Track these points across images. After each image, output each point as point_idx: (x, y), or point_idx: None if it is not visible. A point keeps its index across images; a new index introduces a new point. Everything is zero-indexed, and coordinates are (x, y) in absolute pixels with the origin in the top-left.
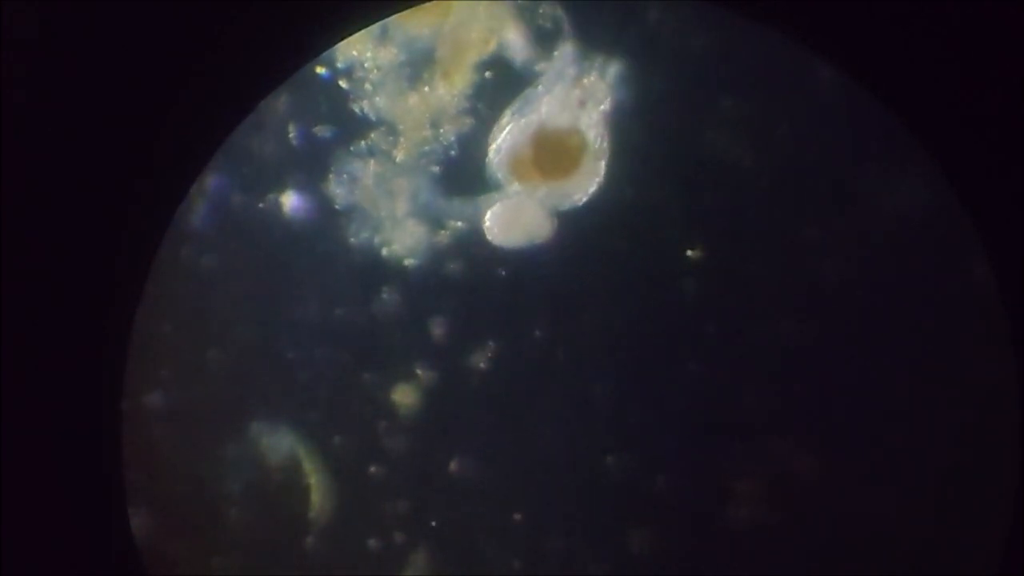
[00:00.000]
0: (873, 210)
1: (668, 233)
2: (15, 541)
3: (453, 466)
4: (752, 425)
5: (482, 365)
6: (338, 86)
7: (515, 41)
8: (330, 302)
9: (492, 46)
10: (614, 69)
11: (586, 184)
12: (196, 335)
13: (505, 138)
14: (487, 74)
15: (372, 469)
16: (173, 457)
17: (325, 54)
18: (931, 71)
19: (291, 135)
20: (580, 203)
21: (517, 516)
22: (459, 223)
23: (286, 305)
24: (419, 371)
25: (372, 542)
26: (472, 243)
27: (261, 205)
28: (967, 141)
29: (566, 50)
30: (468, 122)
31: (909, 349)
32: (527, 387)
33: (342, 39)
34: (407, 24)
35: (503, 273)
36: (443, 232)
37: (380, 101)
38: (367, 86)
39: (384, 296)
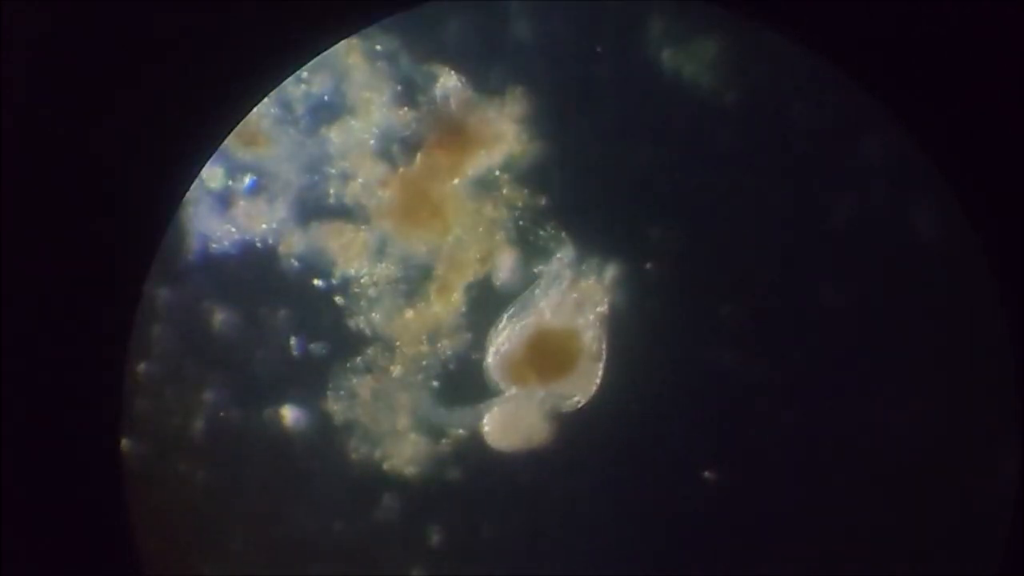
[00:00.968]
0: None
1: (668, 436)
2: (15, 542)
3: None
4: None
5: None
6: (334, 302)
7: (510, 263)
8: (329, 516)
9: (488, 267)
10: (611, 272)
11: (584, 387)
12: (192, 549)
13: (503, 341)
14: (482, 293)
15: None
16: None
17: (323, 268)
18: (931, 71)
19: (291, 349)
20: (578, 406)
21: None
22: (460, 430)
23: (284, 520)
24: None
25: None
26: (472, 450)
27: (259, 419)
28: (967, 145)
29: (563, 253)
30: (466, 337)
31: (909, 349)
32: None
33: (333, 42)
34: (405, 240)
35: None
36: (444, 441)
37: (377, 317)
38: (363, 302)
39: (384, 503)
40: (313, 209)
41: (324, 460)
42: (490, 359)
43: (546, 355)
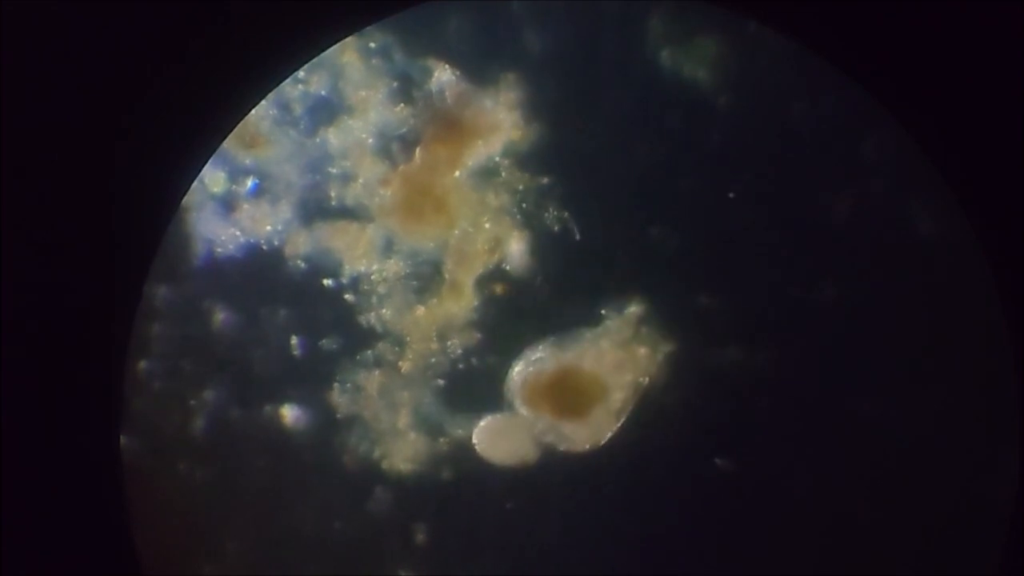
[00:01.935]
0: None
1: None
2: (15, 542)
3: None
4: None
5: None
6: (344, 299)
7: (518, 251)
8: (326, 513)
9: (498, 256)
10: (667, 350)
11: (591, 439)
12: (190, 547)
13: (534, 360)
14: (494, 284)
15: None
16: None
17: (331, 268)
18: (931, 71)
19: (293, 347)
20: (571, 450)
21: None
22: (459, 431)
23: (281, 518)
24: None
25: None
26: (469, 452)
27: (259, 418)
28: (967, 145)
29: (633, 310)
30: (475, 335)
31: (909, 350)
32: None
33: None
34: (411, 237)
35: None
36: (442, 440)
37: (387, 313)
38: (373, 299)
39: (376, 496)
40: (316, 210)
41: (323, 457)
42: (514, 372)
43: (568, 394)
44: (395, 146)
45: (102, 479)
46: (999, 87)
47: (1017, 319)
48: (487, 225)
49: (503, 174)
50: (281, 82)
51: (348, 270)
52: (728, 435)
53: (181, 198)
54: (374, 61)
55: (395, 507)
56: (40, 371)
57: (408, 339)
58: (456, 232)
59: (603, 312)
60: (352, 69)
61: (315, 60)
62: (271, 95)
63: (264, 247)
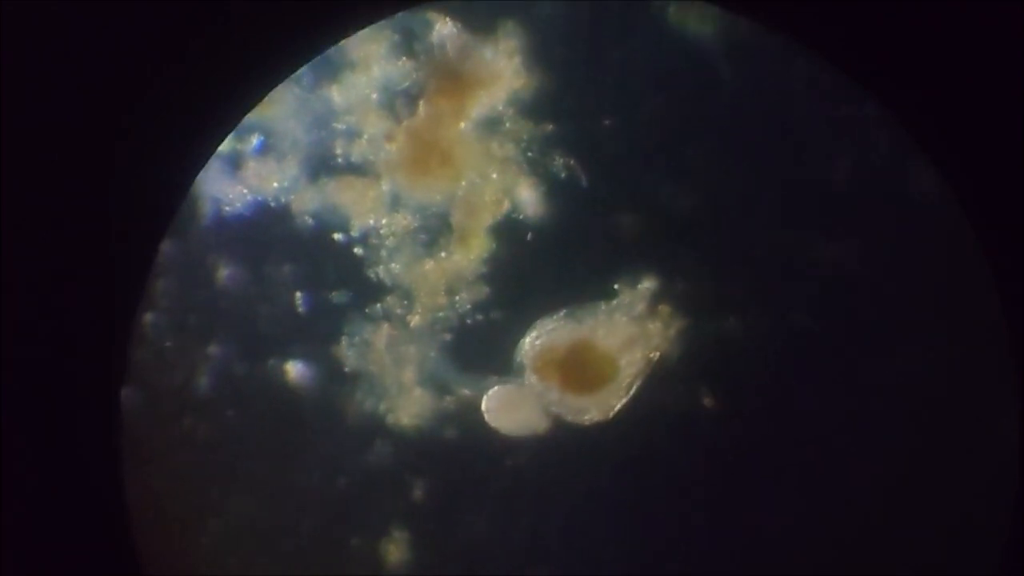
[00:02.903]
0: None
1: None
2: (15, 541)
3: None
4: None
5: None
6: (352, 253)
7: (528, 198)
8: (331, 470)
9: (506, 207)
10: (679, 325)
11: (596, 413)
12: (194, 503)
13: (547, 331)
14: (503, 238)
15: None
16: None
17: (339, 223)
18: (930, 73)
19: (299, 303)
20: (579, 423)
21: None
22: (465, 390)
23: (284, 474)
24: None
25: None
26: (473, 412)
27: (264, 373)
28: (966, 144)
29: (647, 286)
30: (485, 290)
31: (909, 348)
32: None
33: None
34: (418, 190)
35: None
36: (448, 398)
37: (395, 267)
38: (382, 252)
39: (376, 449)
40: (323, 166)
41: (327, 413)
42: (527, 341)
43: (579, 367)
44: (399, 100)
45: (102, 479)
46: (999, 87)
47: (1017, 319)
48: (494, 176)
49: (508, 124)
50: (281, 82)
51: (356, 225)
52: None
53: (182, 198)
54: None
55: (396, 462)
56: (40, 372)
57: (417, 293)
58: (463, 184)
59: (616, 287)
60: None
61: None
62: None
63: (272, 204)
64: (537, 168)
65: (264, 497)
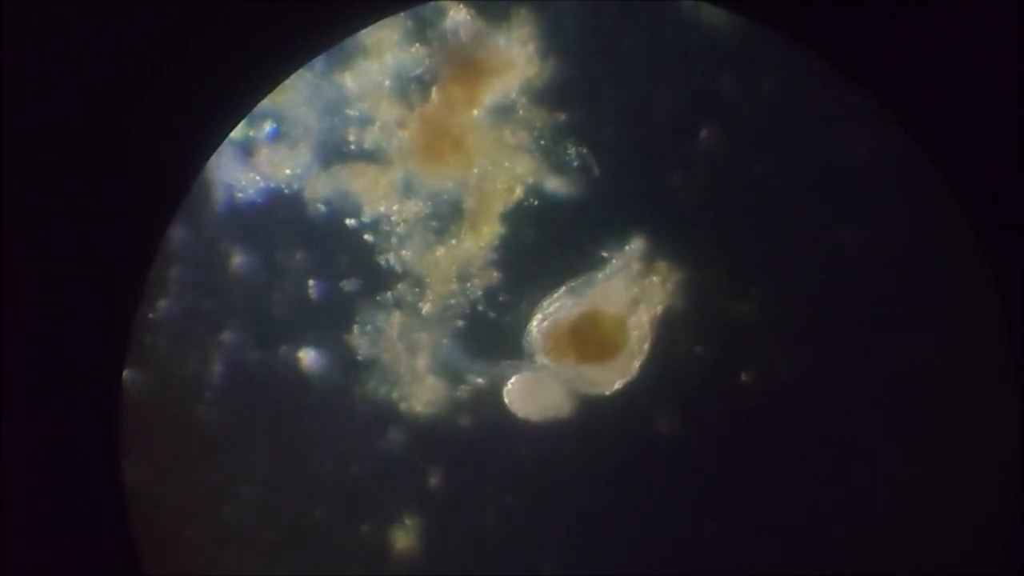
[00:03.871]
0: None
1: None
2: (15, 541)
3: None
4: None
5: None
6: (364, 240)
7: (539, 185)
8: (342, 456)
9: (518, 194)
10: (677, 278)
11: (616, 378)
12: (206, 490)
13: (552, 311)
14: (514, 225)
15: None
16: None
17: (351, 210)
18: (931, 72)
19: (311, 290)
20: (604, 394)
21: None
22: (479, 379)
23: (298, 461)
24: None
25: None
26: (488, 400)
27: (277, 360)
28: (966, 144)
29: (636, 244)
30: (496, 276)
31: (909, 346)
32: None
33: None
34: (431, 177)
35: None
36: (464, 387)
37: (407, 254)
38: (393, 239)
39: (390, 436)
40: (335, 153)
41: (340, 400)
42: (533, 324)
43: (589, 338)
44: (412, 87)
45: (101, 472)
46: (999, 87)
47: (1017, 319)
48: (506, 164)
49: (520, 112)
50: (281, 82)
51: (368, 212)
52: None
53: (182, 198)
54: None
55: (409, 449)
56: (39, 373)
57: (428, 280)
58: (475, 171)
59: (605, 254)
60: None
61: None
62: None
63: (285, 191)
64: (550, 157)
65: (276, 485)
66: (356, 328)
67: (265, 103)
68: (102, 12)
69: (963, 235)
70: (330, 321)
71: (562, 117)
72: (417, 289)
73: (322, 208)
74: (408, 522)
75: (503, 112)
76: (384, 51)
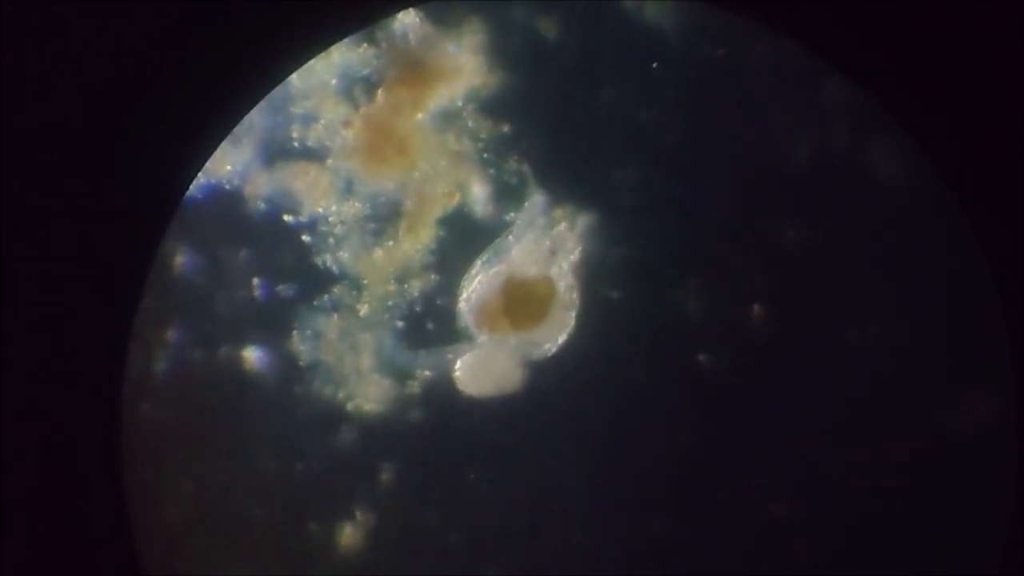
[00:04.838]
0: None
1: (635, 381)
2: (15, 541)
3: None
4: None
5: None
6: (301, 240)
7: (479, 195)
8: (288, 455)
9: (456, 200)
10: (583, 220)
11: (556, 334)
12: (152, 489)
13: (475, 287)
14: (452, 227)
15: None
16: None
17: (290, 209)
18: (931, 72)
19: (254, 289)
20: (550, 353)
21: None
22: (427, 372)
23: (244, 460)
24: (359, 514)
25: None
26: (438, 392)
27: (222, 360)
28: (966, 144)
29: (535, 200)
30: (433, 278)
31: (908, 344)
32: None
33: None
34: (371, 178)
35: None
36: (412, 382)
37: (344, 256)
38: (331, 240)
39: (342, 435)
40: (278, 150)
41: (286, 399)
42: (462, 305)
43: (518, 302)
44: (358, 87)
45: (102, 480)
46: (999, 88)
47: (1017, 319)
48: (447, 169)
49: (467, 120)
50: (281, 82)
51: (307, 211)
52: None
53: (181, 198)
54: None
55: (360, 447)
56: (38, 374)
57: (366, 282)
58: (416, 175)
59: (510, 215)
60: None
61: None
62: None
63: (226, 187)
64: (491, 167)
65: (224, 485)
66: (295, 334)
67: None
68: (102, 12)
69: (963, 235)
70: (272, 321)
71: (505, 129)
72: (355, 292)
73: (262, 205)
74: (360, 519)
75: (448, 118)
76: (332, 50)
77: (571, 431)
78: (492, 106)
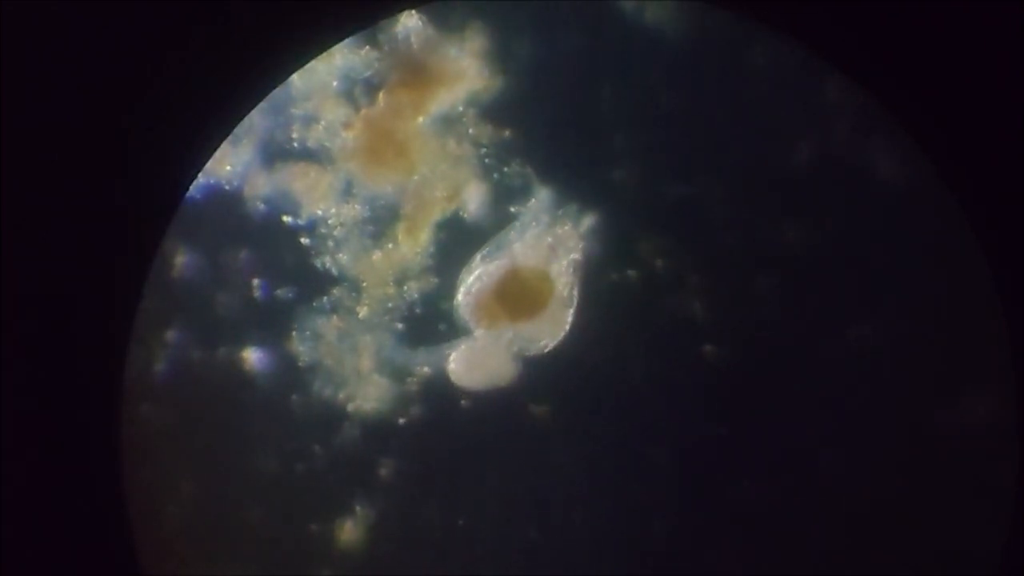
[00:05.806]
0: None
1: (632, 382)
2: (15, 541)
3: None
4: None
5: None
6: (300, 243)
7: (477, 198)
8: (289, 456)
9: (455, 204)
10: (587, 220)
11: (552, 331)
12: (152, 489)
13: (474, 280)
14: (450, 231)
15: None
16: None
17: (290, 210)
18: (931, 72)
19: (254, 290)
20: (545, 350)
21: None
22: (425, 368)
23: (244, 460)
24: (359, 509)
25: None
26: (436, 388)
27: (221, 360)
28: (966, 144)
29: (541, 196)
30: (432, 280)
31: (909, 342)
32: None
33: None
34: (371, 181)
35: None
36: (411, 380)
37: (343, 258)
38: (330, 243)
39: (344, 432)
40: (278, 151)
41: (286, 400)
42: (460, 298)
43: (517, 297)
44: (359, 89)
45: (103, 480)
46: (999, 88)
47: (1017, 319)
48: (447, 173)
49: (468, 125)
50: (282, 82)
51: (306, 212)
52: None
53: (181, 199)
54: None
55: (359, 444)
56: (38, 374)
57: (365, 284)
58: (416, 178)
59: (512, 209)
60: None
61: None
62: None
63: (226, 187)
64: (492, 171)
65: (220, 484)
66: (295, 335)
67: None
68: (102, 12)
69: (963, 235)
70: (273, 322)
71: (506, 133)
72: (354, 294)
73: (262, 206)
74: (360, 514)
75: (448, 122)
76: (334, 52)
77: (570, 429)
78: (493, 111)
